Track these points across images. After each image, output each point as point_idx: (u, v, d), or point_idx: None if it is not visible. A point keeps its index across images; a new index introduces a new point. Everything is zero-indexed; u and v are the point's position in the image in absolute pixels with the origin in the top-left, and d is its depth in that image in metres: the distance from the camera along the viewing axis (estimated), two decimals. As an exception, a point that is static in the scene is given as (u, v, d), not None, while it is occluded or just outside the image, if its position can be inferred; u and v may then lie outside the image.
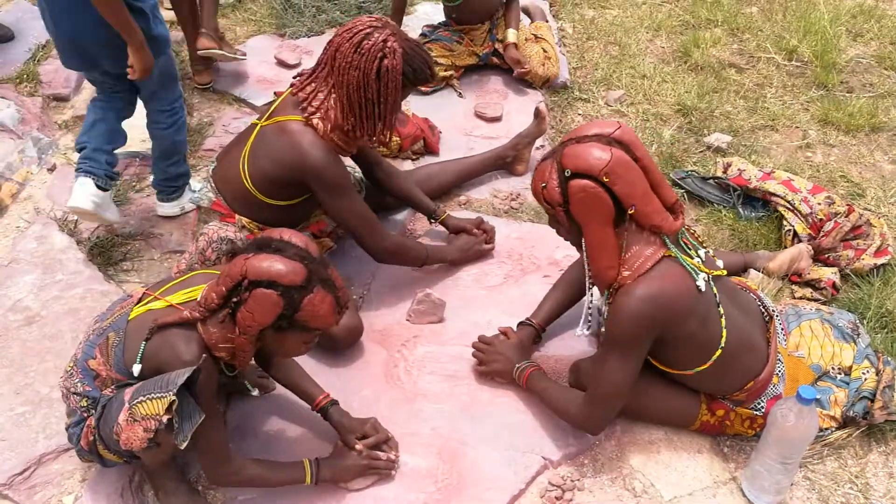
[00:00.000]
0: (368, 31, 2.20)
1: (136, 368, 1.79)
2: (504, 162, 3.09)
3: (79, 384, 1.88)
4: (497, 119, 3.41)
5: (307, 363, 2.24)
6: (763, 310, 2.16)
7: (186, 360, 1.74)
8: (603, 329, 2.02)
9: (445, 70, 3.52)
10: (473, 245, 2.69)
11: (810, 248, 2.67)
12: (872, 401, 2.19)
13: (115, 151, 2.64)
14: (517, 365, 2.23)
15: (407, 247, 2.54)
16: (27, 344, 2.36)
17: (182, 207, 2.86)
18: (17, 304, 2.48)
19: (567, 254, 2.68)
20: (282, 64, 3.68)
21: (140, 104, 2.68)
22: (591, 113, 3.49)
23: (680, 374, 2.03)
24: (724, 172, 3.04)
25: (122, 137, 2.66)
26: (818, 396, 2.06)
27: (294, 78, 2.39)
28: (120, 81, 2.55)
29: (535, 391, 2.20)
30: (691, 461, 2.15)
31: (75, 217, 2.78)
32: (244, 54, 3.55)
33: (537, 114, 3.06)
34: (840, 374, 2.25)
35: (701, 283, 1.87)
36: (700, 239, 2.00)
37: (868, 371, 2.23)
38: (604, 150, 1.81)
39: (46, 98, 3.39)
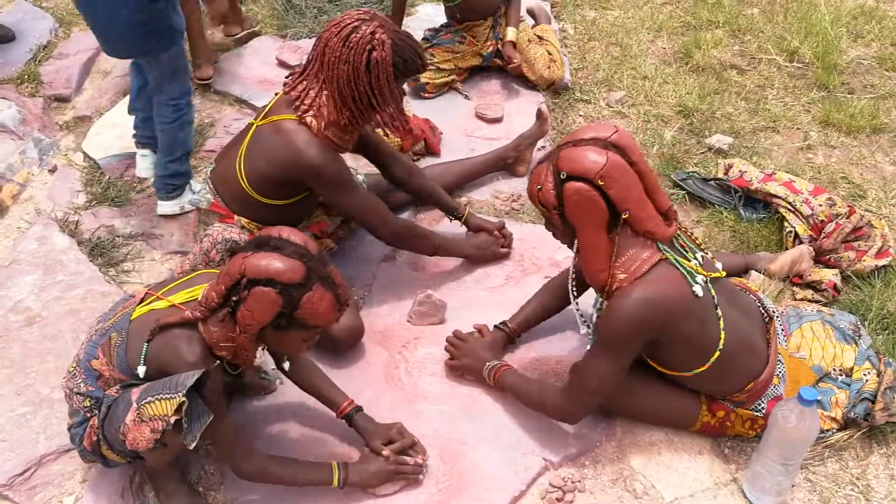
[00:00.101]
0: (356, 24, 2.18)
1: (142, 370, 1.79)
2: (505, 163, 3.09)
3: (82, 384, 1.88)
4: (498, 120, 3.41)
5: (307, 364, 2.24)
6: (763, 311, 2.16)
7: (188, 361, 1.74)
8: (591, 328, 2.04)
9: (448, 75, 3.52)
10: (491, 245, 2.69)
11: (811, 249, 2.66)
12: (873, 402, 2.18)
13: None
14: (488, 363, 2.24)
15: (417, 231, 2.54)
16: (28, 345, 2.36)
17: (182, 207, 2.86)
18: (18, 304, 2.48)
19: (568, 255, 2.66)
20: (283, 65, 3.67)
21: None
22: (592, 114, 3.49)
23: (679, 375, 2.03)
24: (726, 174, 3.03)
25: None
26: (819, 398, 2.05)
27: (286, 77, 2.39)
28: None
29: (507, 388, 2.21)
30: (692, 462, 2.15)
31: (77, 218, 2.78)
32: (252, 25, 3.80)
33: (539, 115, 3.05)
34: (841, 375, 2.25)
35: (697, 287, 1.87)
36: (698, 241, 2.01)
37: (869, 372, 2.23)
38: (600, 153, 1.81)
39: (47, 99, 3.39)
